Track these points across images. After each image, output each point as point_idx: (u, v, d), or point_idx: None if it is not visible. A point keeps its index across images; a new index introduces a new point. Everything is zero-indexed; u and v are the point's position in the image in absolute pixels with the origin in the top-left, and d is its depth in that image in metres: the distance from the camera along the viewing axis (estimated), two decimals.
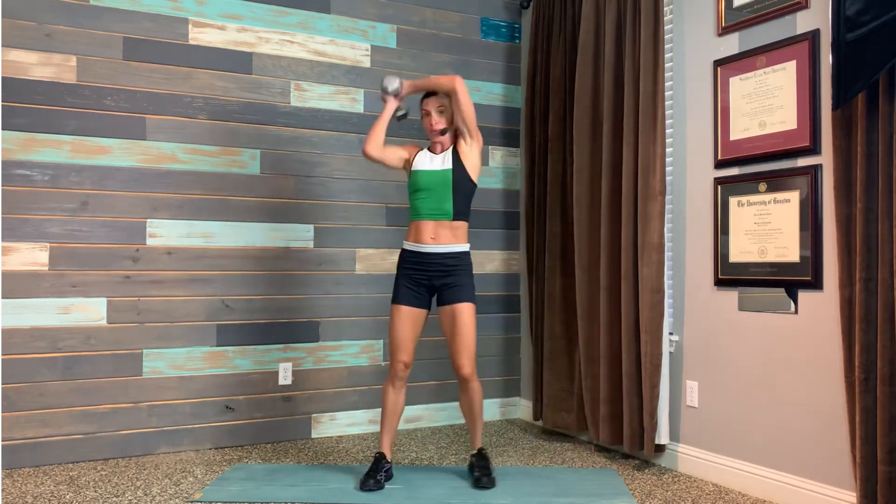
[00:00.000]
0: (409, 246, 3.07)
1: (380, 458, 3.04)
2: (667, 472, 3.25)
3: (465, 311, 3.00)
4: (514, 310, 4.48)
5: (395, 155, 3.10)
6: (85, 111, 3.42)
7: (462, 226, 3.06)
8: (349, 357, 3.99)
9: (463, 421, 4.27)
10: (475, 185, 3.09)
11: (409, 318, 3.03)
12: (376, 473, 2.98)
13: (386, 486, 3.00)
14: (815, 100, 2.73)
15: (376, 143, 3.02)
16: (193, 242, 3.63)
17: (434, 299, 3.14)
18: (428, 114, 3.09)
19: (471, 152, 3.07)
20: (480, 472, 3.02)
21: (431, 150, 3.13)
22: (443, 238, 3.02)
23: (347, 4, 4.03)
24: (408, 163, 3.14)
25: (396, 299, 3.04)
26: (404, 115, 3.22)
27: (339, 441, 3.81)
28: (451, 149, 3.10)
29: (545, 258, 3.99)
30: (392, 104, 3.12)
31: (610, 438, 3.47)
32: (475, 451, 3.13)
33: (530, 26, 4.26)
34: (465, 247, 3.07)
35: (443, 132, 3.08)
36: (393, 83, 3.10)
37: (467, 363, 3.01)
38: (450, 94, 3.01)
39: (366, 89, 4.06)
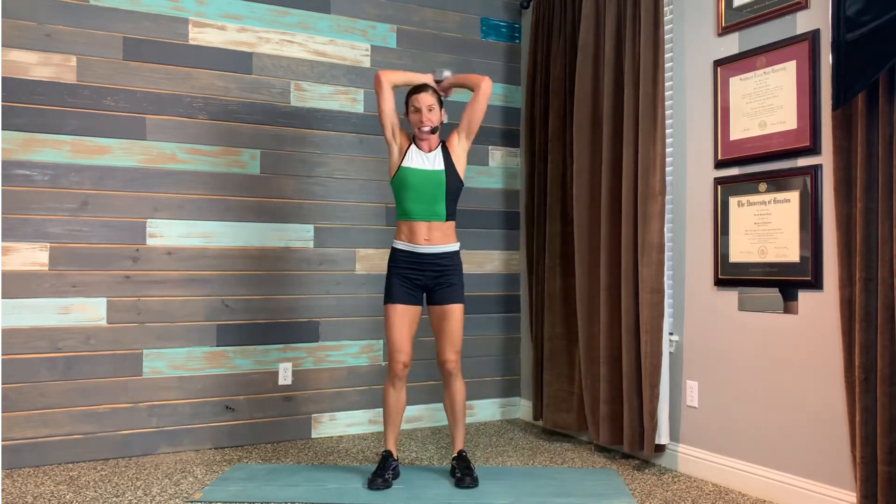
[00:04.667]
0: (402, 246, 3.06)
1: (387, 457, 3.05)
2: (667, 472, 3.25)
3: (456, 311, 3.05)
4: (514, 310, 4.48)
5: (390, 107, 3.05)
6: (85, 111, 3.42)
7: (452, 225, 3.09)
8: (349, 357, 3.99)
9: (466, 421, 4.24)
10: (463, 183, 3.11)
11: (405, 317, 3.03)
12: (384, 472, 2.99)
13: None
14: (815, 100, 2.73)
15: (394, 81, 3.05)
16: (193, 242, 3.63)
17: (424, 297, 3.14)
18: (417, 110, 3.01)
19: (463, 152, 3.10)
20: (463, 473, 3.02)
21: (418, 146, 3.07)
22: (436, 239, 3.03)
23: (347, 4, 4.03)
24: (396, 148, 3.07)
25: (391, 299, 3.03)
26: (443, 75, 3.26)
27: (339, 441, 3.81)
28: (440, 147, 3.08)
29: (545, 258, 3.99)
30: (427, 77, 3.14)
31: (610, 438, 3.47)
32: (455, 455, 3.11)
33: (530, 26, 4.26)
34: (456, 246, 3.10)
35: (433, 130, 3.03)
36: (443, 73, 3.17)
37: (454, 357, 3.04)
38: (474, 89, 3.05)
39: (366, 89, 4.06)
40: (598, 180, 3.62)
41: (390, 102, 3.05)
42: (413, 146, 3.07)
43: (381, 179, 4.09)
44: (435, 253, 3.02)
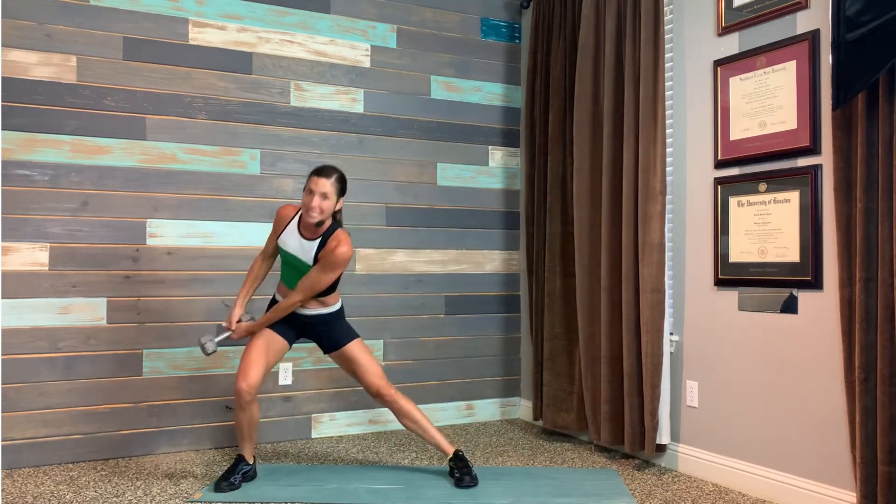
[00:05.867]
0: (279, 298, 3.04)
1: (240, 460, 3.00)
2: (667, 472, 3.25)
3: (355, 347, 3.03)
4: (514, 310, 4.48)
5: (272, 244, 3.02)
6: (85, 111, 3.42)
7: (331, 297, 3.00)
8: None
9: (465, 421, 4.27)
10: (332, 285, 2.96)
11: (268, 341, 2.95)
12: (230, 475, 2.95)
13: (386, 486, 3.00)
14: (815, 100, 2.73)
15: (261, 271, 3.08)
16: (193, 242, 3.63)
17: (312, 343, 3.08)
18: (311, 192, 2.78)
19: (332, 271, 2.84)
20: (462, 472, 3.02)
21: (302, 226, 2.90)
22: (311, 305, 2.98)
23: (347, 4, 4.03)
24: (281, 223, 2.96)
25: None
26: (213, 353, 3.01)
27: (339, 441, 3.81)
28: (317, 243, 2.85)
29: (545, 258, 3.99)
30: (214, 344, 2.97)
31: (610, 438, 3.47)
32: (451, 456, 3.10)
33: (530, 26, 4.26)
34: (334, 307, 3.03)
35: (318, 224, 2.86)
36: (210, 346, 2.95)
37: (380, 381, 3.01)
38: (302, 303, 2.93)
39: (366, 89, 4.06)
40: (598, 180, 3.62)
41: (272, 249, 3.04)
42: (293, 222, 2.93)
43: (381, 179, 4.09)
44: (309, 315, 3.00)
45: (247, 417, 2.92)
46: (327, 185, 2.77)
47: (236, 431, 2.99)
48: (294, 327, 3.05)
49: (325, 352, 3.08)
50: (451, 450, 3.11)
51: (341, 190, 2.84)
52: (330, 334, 3.04)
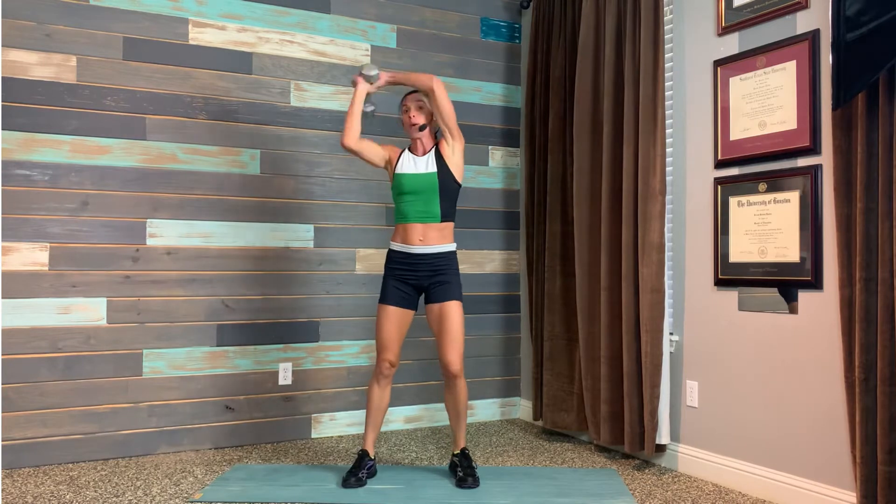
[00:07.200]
0: (397, 247, 3.07)
1: (363, 456, 3.07)
2: (667, 472, 3.25)
3: (454, 309, 3.03)
4: (514, 310, 4.48)
5: (373, 150, 3.09)
6: (85, 111, 3.42)
7: (449, 226, 3.08)
8: (349, 357, 3.99)
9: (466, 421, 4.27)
10: (460, 185, 3.10)
11: (395, 318, 3.05)
12: (358, 471, 3.01)
13: (386, 486, 3.00)
14: (815, 100, 2.73)
15: (353, 133, 3.02)
16: (193, 242, 3.63)
17: (422, 298, 3.14)
18: (407, 110, 3.09)
19: (453, 153, 3.07)
20: (465, 472, 3.03)
21: (413, 150, 3.12)
22: (431, 239, 3.03)
23: (347, 4, 4.03)
24: (389, 164, 3.13)
25: (384, 299, 3.07)
26: (371, 113, 3.19)
27: (339, 441, 3.81)
28: (433, 150, 3.08)
29: (545, 258, 3.99)
30: (363, 90, 3.07)
31: (610, 438, 3.47)
32: (458, 451, 3.12)
33: (530, 26, 4.26)
34: (452, 246, 3.09)
35: (421, 128, 3.07)
36: (372, 69, 3.07)
37: (456, 360, 3.02)
38: (427, 94, 3.03)
39: None
40: (598, 180, 3.62)
41: (364, 145, 3.06)
42: (406, 153, 3.11)
43: (381, 179, 4.09)
44: (429, 253, 3.03)
45: (385, 398, 3.08)
46: (416, 97, 3.08)
47: (367, 417, 3.08)
48: (413, 283, 3.06)
49: (430, 301, 3.07)
50: (461, 445, 3.13)
51: (427, 99, 3.07)
52: (447, 279, 3.04)
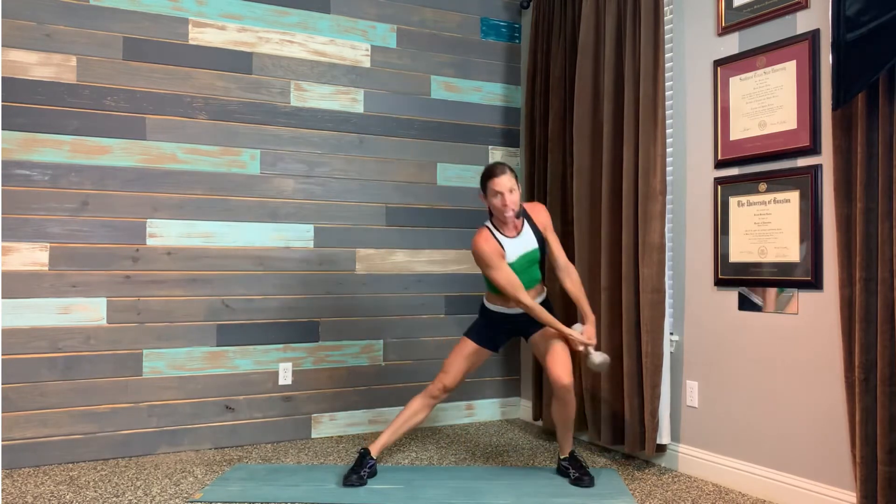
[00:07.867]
0: (496, 308, 3.11)
1: (365, 454, 3.08)
2: (667, 473, 3.25)
3: (551, 331, 3.05)
4: None
5: (507, 268, 2.96)
6: (85, 111, 3.42)
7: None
8: (349, 357, 3.99)
9: (463, 421, 4.27)
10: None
11: (471, 353, 3.13)
12: (360, 469, 3.02)
13: (386, 486, 3.00)
14: (815, 100, 2.73)
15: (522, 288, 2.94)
16: (193, 242, 3.63)
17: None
18: (498, 194, 2.88)
19: (546, 228, 3.10)
20: (580, 473, 3.06)
21: (502, 230, 2.99)
22: (537, 294, 3.11)
23: (347, 4, 4.03)
24: (500, 257, 2.95)
25: (469, 333, 3.15)
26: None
27: (339, 441, 3.81)
28: (527, 225, 3.04)
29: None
30: (578, 339, 2.97)
31: (610, 438, 3.47)
32: (567, 456, 3.15)
33: (530, 26, 4.26)
34: (544, 295, 3.16)
35: (517, 215, 2.94)
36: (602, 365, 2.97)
37: (567, 373, 2.96)
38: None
39: (366, 89, 4.06)
40: (598, 180, 3.62)
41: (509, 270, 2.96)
42: (500, 236, 2.97)
43: (381, 179, 4.09)
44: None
45: (421, 414, 3.13)
46: (508, 180, 2.89)
47: (394, 421, 3.11)
48: (508, 330, 3.15)
49: (528, 337, 3.13)
50: (568, 450, 3.16)
51: (516, 177, 2.96)
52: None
